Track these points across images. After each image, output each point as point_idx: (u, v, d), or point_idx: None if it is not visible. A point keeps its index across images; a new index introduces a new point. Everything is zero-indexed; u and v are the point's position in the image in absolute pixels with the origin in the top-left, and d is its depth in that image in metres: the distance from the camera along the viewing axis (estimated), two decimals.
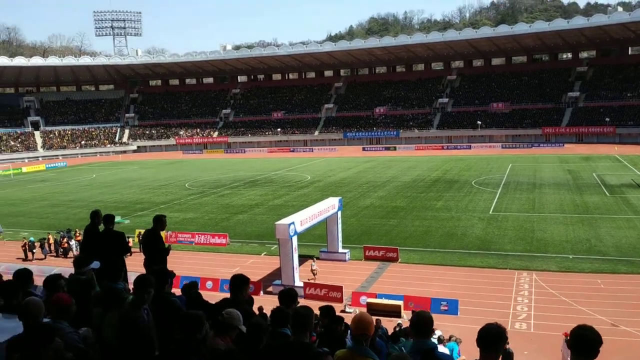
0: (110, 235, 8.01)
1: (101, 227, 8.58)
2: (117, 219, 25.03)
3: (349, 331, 5.15)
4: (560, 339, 14.53)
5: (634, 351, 15.75)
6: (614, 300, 19.40)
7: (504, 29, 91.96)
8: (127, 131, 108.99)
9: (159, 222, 8.44)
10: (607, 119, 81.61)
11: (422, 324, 4.05)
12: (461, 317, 18.58)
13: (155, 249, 8.28)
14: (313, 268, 23.58)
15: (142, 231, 29.23)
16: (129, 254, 8.35)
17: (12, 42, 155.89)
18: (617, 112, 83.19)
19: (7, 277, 5.85)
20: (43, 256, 30.02)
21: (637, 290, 20.47)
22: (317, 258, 25.73)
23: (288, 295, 5.37)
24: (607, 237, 27.99)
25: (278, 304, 5.38)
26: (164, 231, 8.86)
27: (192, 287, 5.98)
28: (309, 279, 22.80)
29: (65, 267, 25.20)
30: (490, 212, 35.26)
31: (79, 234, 30.50)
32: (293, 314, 4.36)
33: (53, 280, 4.86)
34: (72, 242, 30.10)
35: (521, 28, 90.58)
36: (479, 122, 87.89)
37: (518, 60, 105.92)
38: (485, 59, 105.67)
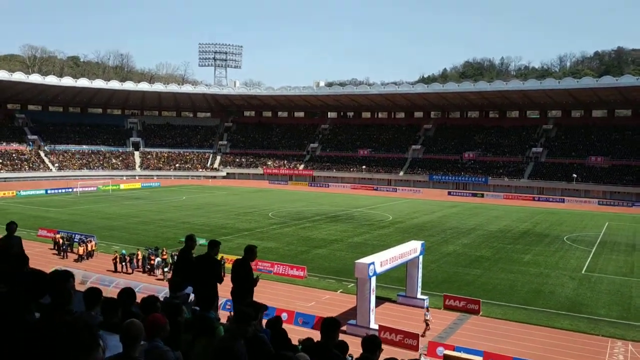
0: (210, 262, 8.17)
1: (195, 250, 8.81)
2: (202, 241, 25.89)
3: None
4: None
5: None
6: None
7: (608, 80, 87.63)
8: (218, 157, 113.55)
9: (251, 252, 8.58)
10: None
11: None
12: None
13: (244, 278, 8.41)
14: (427, 318, 22.24)
15: (224, 256, 30.05)
16: (219, 283, 8.47)
17: (123, 67, 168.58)
18: None
19: (94, 285, 6.16)
20: (131, 270, 31.51)
21: None
22: (430, 307, 24.05)
23: (372, 342, 5.20)
24: None
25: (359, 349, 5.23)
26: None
27: (277, 322, 5.99)
28: (420, 334, 21.19)
29: (148, 284, 26.31)
30: (583, 272, 33.16)
31: (165, 252, 31.84)
32: None
33: (151, 302, 5.02)
34: (157, 260, 31.37)
35: (627, 80, 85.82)
36: (575, 175, 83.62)
37: (622, 113, 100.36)
38: (585, 110, 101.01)
